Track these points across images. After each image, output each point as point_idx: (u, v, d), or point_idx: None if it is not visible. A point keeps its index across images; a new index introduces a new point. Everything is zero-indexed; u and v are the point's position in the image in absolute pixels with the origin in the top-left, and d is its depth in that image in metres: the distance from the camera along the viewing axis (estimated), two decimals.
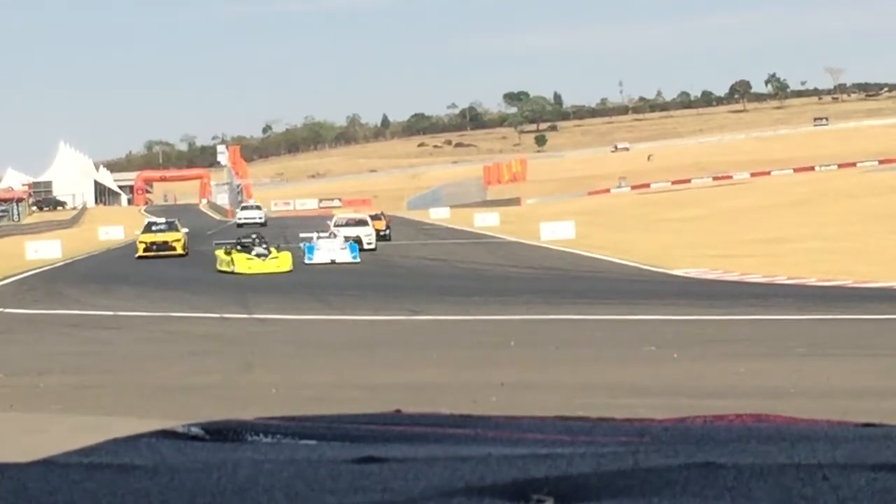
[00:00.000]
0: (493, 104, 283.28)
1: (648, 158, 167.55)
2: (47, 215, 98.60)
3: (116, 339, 17.94)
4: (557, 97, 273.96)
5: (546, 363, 13.46)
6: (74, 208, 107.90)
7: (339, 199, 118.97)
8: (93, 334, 18.89)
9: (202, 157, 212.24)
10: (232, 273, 33.04)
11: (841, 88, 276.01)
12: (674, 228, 53.13)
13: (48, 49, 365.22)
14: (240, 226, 66.57)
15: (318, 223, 46.87)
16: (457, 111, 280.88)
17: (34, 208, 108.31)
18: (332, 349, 15.89)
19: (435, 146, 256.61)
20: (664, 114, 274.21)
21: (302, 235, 39.71)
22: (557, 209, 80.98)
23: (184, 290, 27.91)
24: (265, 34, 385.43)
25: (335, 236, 38.17)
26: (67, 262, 42.51)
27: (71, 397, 11.55)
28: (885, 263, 29.31)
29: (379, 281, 29.91)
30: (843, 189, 74.52)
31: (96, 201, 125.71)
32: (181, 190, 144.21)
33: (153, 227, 44.90)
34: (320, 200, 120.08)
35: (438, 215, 79.69)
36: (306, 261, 35.80)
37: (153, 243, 43.10)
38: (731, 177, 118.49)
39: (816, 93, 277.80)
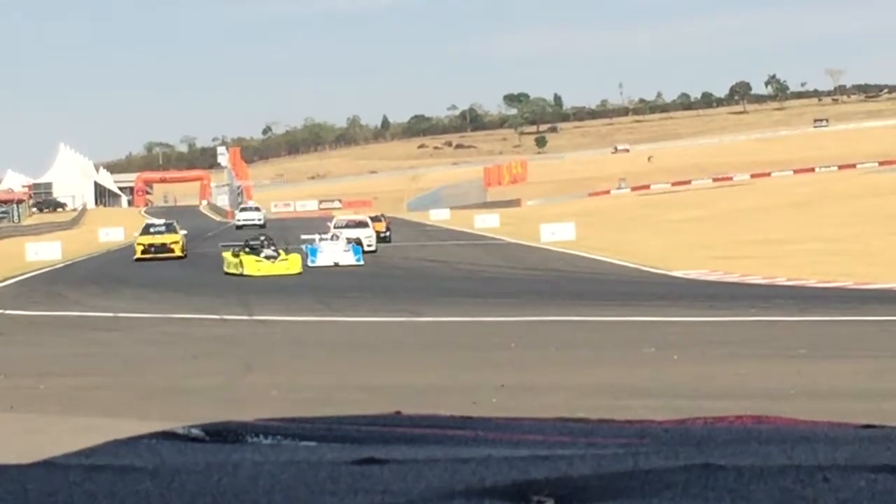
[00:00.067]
0: (494, 105, 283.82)
1: (649, 160, 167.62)
2: (47, 217, 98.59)
3: (117, 341, 17.94)
4: (558, 98, 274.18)
5: (546, 364, 13.46)
6: (74, 210, 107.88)
7: (340, 201, 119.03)
8: (93, 336, 18.89)
9: (202, 159, 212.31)
10: (241, 275, 32.61)
11: (841, 90, 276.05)
12: (674, 230, 53.13)
13: (48, 50, 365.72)
14: (238, 228, 66.46)
15: (319, 225, 46.85)
16: (457, 112, 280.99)
17: (34, 210, 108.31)
18: (332, 350, 15.89)
19: (435, 147, 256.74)
20: (664, 115, 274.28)
21: (303, 237, 39.42)
22: (557, 210, 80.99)
23: (184, 292, 27.92)
24: (265, 35, 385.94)
25: (338, 238, 38.00)
26: (67, 263, 42.50)
27: (71, 399, 11.55)
28: (886, 265, 29.30)
29: (379, 282, 29.91)
30: (843, 190, 74.56)
31: (96, 203, 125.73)
32: (181, 191, 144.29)
33: (151, 229, 44.42)
34: (320, 202, 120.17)
35: (438, 217, 79.69)
36: (309, 263, 35.68)
37: (151, 245, 42.63)
38: (731, 178, 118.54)
39: (816, 94, 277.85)
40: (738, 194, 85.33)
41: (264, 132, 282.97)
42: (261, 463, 1.38)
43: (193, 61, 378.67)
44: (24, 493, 1.23)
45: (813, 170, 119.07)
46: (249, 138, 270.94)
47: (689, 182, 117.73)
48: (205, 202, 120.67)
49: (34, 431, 8.76)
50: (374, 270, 34.63)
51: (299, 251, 36.35)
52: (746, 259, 33.53)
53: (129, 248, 44.30)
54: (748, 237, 43.60)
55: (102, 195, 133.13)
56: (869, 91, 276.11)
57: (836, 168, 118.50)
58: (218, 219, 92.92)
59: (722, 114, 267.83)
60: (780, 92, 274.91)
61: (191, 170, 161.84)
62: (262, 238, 35.21)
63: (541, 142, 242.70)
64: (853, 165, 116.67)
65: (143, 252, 42.31)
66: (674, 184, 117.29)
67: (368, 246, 41.42)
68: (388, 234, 49.54)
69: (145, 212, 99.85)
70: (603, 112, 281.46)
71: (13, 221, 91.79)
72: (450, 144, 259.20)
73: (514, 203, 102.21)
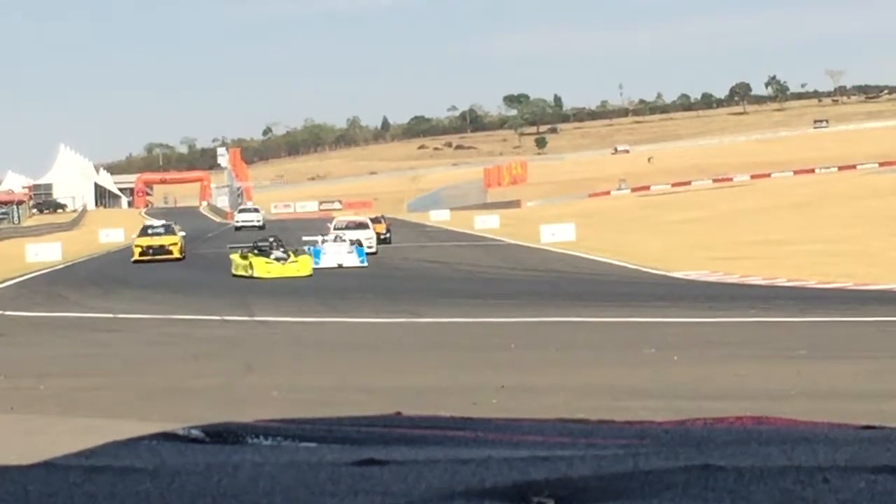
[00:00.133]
0: (494, 106, 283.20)
1: (649, 160, 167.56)
2: (47, 218, 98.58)
3: (117, 342, 17.94)
4: (557, 99, 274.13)
5: (546, 365, 13.46)
6: (75, 211, 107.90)
7: (340, 202, 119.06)
8: (93, 337, 18.89)
9: (202, 160, 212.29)
10: (251, 277, 32.17)
11: (841, 91, 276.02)
12: (674, 230, 53.14)
13: (48, 50, 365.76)
14: (237, 229, 66.36)
15: (319, 226, 46.81)
16: (457, 113, 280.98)
17: (34, 211, 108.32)
18: (332, 351, 15.89)
19: (435, 148, 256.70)
20: (664, 116, 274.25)
21: (305, 239, 39.04)
22: (557, 211, 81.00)
23: (184, 293, 27.92)
24: (265, 36, 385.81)
25: (342, 240, 37.84)
26: (68, 264, 42.49)
27: (71, 400, 11.55)
28: (886, 266, 29.31)
29: (379, 283, 29.91)
30: (843, 191, 74.58)
31: (96, 204, 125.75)
32: (181, 192, 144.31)
33: (149, 231, 43.85)
34: (320, 203, 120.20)
35: (438, 218, 79.68)
36: (313, 265, 35.55)
37: (149, 247, 41.98)
38: (731, 179, 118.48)
39: (816, 95, 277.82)
40: (738, 195, 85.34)
41: (264, 133, 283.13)
42: (261, 464, 1.38)
43: (193, 61, 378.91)
44: (24, 494, 1.23)
45: (813, 171, 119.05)
46: (249, 139, 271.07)
47: (689, 183, 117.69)
48: (205, 203, 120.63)
49: (34, 432, 8.76)
50: (375, 271, 34.63)
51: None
52: (746, 260, 33.53)
53: (129, 250, 44.21)
54: (748, 238, 43.61)
55: (102, 196, 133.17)
56: (869, 92, 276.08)
57: (836, 169, 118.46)
58: (218, 220, 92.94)
59: (722, 115, 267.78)
60: (780, 93, 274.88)
61: (191, 171, 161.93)
62: (271, 239, 34.62)
63: (541, 143, 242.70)
64: (853, 166, 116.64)
65: (141, 254, 41.70)
66: (674, 185, 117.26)
67: (369, 247, 41.36)
68: (388, 235, 49.47)
69: (145, 213, 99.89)
70: (603, 113, 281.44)
71: (13, 223, 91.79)
72: (450, 145, 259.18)
73: (514, 204, 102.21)
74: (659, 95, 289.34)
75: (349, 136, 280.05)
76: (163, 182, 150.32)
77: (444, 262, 38.75)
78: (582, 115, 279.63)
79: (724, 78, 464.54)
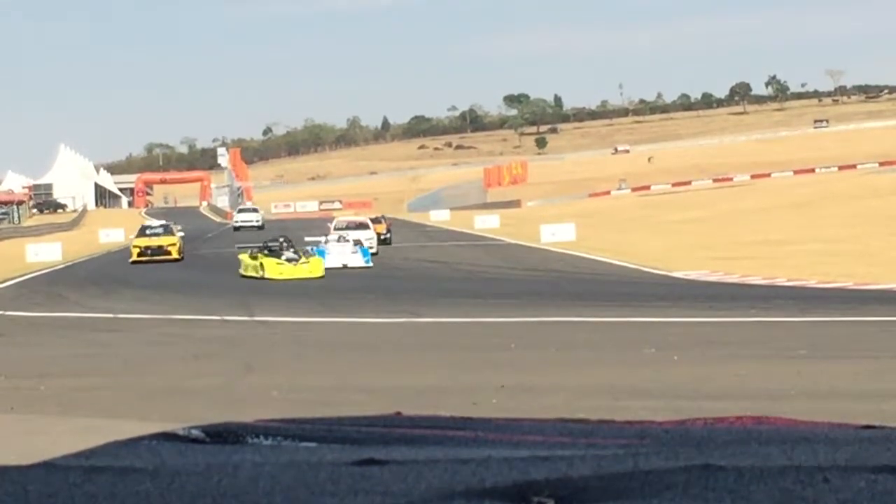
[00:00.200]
0: (494, 106, 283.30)
1: (649, 160, 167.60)
2: (48, 218, 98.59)
3: (117, 342, 17.94)
4: (558, 99, 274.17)
5: (546, 365, 13.46)
6: (75, 211, 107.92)
7: (340, 202, 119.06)
8: (93, 337, 18.89)
9: (202, 160, 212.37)
10: (262, 278, 31.61)
11: (841, 90, 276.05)
12: (674, 230, 53.14)
13: (48, 50, 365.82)
14: (236, 229, 66.28)
15: (320, 225, 46.79)
16: (457, 113, 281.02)
17: (34, 211, 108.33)
18: (332, 351, 15.89)
19: (435, 148, 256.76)
20: (664, 116, 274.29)
21: (307, 239, 38.72)
22: (558, 211, 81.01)
23: (184, 293, 27.92)
24: (265, 36, 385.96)
25: (346, 240, 37.70)
26: (68, 264, 42.48)
27: (71, 400, 11.55)
28: (886, 265, 29.32)
29: (379, 283, 29.91)
30: (843, 191, 74.58)
31: (96, 204, 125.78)
32: (181, 192, 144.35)
33: (147, 231, 43.39)
34: (321, 203, 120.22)
35: (439, 218, 79.68)
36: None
37: (147, 248, 41.49)
38: (731, 179, 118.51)
39: (817, 95, 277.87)
40: (739, 195, 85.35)
41: (264, 133, 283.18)
42: (261, 464, 1.38)
43: (193, 61, 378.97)
44: (24, 495, 1.23)
45: (813, 170, 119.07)
46: (249, 139, 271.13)
47: (689, 183, 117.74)
48: (205, 203, 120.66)
49: (34, 432, 8.75)
50: (375, 271, 34.63)
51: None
52: (746, 260, 33.54)
53: (129, 250, 44.18)
54: (748, 238, 43.62)
55: (103, 196, 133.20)
56: (869, 92, 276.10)
57: (836, 169, 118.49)
58: (218, 220, 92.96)
59: (722, 114, 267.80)
60: (780, 92, 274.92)
61: (191, 171, 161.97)
62: (281, 239, 33.89)
63: (541, 142, 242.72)
64: (853, 166, 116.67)
65: (140, 255, 41.26)
66: (674, 184, 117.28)
67: (369, 248, 41.37)
68: (388, 235, 49.43)
69: (145, 213, 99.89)
70: (603, 113, 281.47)
71: (13, 223, 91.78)
72: (450, 145, 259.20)
73: (515, 204, 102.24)
74: (659, 95, 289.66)
75: (349, 136, 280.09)
76: (163, 182, 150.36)
77: (444, 261, 38.76)
78: (582, 115, 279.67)
79: (724, 78, 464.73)
